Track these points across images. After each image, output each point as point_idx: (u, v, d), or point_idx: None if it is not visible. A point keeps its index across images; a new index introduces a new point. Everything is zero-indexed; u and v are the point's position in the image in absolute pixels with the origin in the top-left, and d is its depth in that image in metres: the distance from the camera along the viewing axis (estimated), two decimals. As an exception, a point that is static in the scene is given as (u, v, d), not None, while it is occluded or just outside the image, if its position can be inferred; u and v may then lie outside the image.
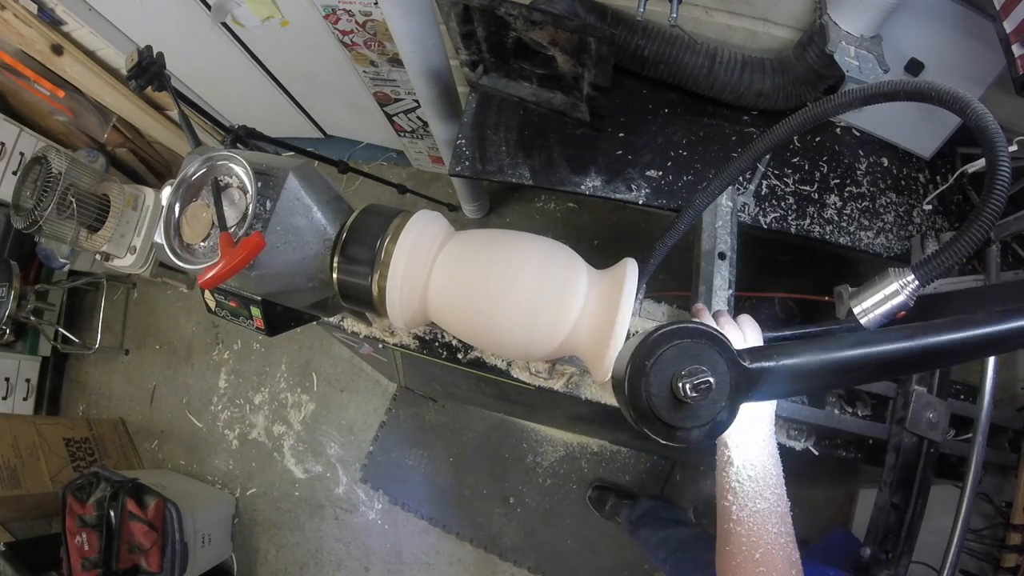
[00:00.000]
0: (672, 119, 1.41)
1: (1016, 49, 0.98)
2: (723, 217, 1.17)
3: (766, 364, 0.43)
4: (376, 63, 1.83)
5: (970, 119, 0.53)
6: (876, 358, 0.43)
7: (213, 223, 0.64)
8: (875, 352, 0.43)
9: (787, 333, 0.68)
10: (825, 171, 1.36)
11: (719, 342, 0.42)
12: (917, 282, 0.60)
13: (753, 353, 0.43)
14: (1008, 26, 0.98)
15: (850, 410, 1.09)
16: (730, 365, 0.41)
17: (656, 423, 0.41)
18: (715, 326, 0.43)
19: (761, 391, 0.43)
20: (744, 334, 0.65)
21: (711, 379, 0.40)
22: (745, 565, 0.54)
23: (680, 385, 0.40)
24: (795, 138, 1.38)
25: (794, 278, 2.03)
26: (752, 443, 0.58)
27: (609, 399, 1.09)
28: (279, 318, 0.76)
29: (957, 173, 1.17)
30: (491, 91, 1.46)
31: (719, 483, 0.59)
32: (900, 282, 0.60)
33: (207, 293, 0.77)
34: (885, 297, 0.61)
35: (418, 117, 2.09)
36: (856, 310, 0.63)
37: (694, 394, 0.40)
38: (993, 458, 1.06)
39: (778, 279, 2.01)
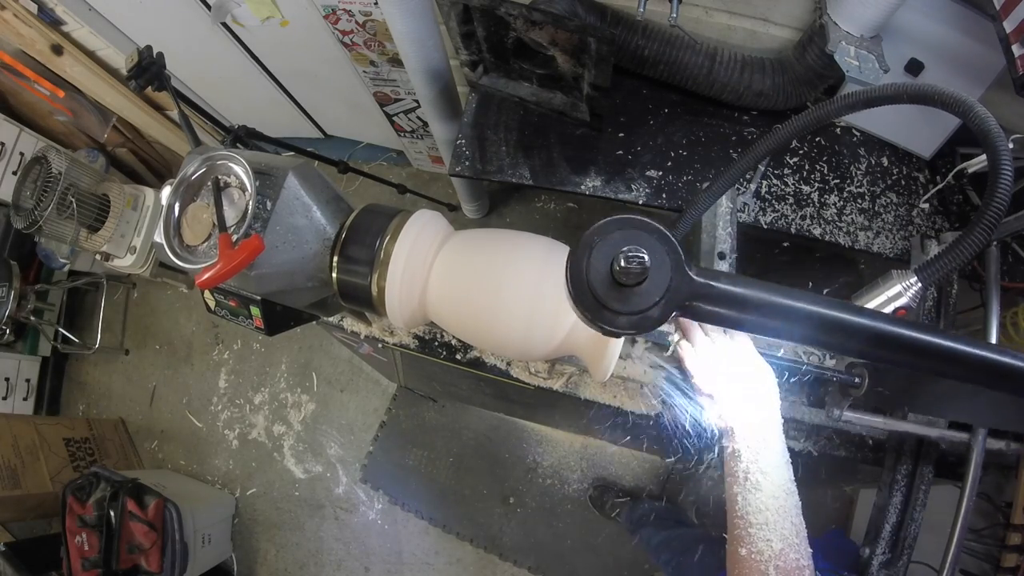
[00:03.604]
0: (672, 119, 1.41)
1: (1016, 49, 0.98)
2: (723, 217, 1.16)
3: (711, 281, 0.43)
4: (376, 63, 1.83)
5: (972, 122, 0.53)
6: (825, 319, 0.43)
7: (214, 224, 0.64)
8: (826, 313, 0.43)
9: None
10: (825, 171, 1.36)
11: (668, 241, 0.42)
12: (920, 284, 0.60)
13: (703, 270, 0.43)
14: (1008, 26, 0.98)
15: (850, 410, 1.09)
16: (674, 267, 0.41)
17: (588, 297, 0.41)
18: (668, 232, 0.43)
19: (699, 307, 0.43)
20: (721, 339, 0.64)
21: (645, 256, 0.39)
22: (757, 565, 0.54)
23: (617, 259, 0.40)
24: (795, 139, 1.38)
25: (794, 278, 2.03)
26: (762, 442, 0.58)
27: (609, 399, 1.09)
28: (279, 317, 0.76)
29: (954, 172, 1.17)
30: (491, 91, 1.46)
31: (728, 476, 0.59)
32: (903, 284, 0.60)
33: (207, 293, 0.77)
34: (888, 299, 0.61)
35: (418, 117, 2.08)
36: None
37: (628, 266, 0.39)
38: (993, 458, 1.06)
39: (778, 279, 2.01)
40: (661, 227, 0.42)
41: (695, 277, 0.42)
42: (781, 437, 0.60)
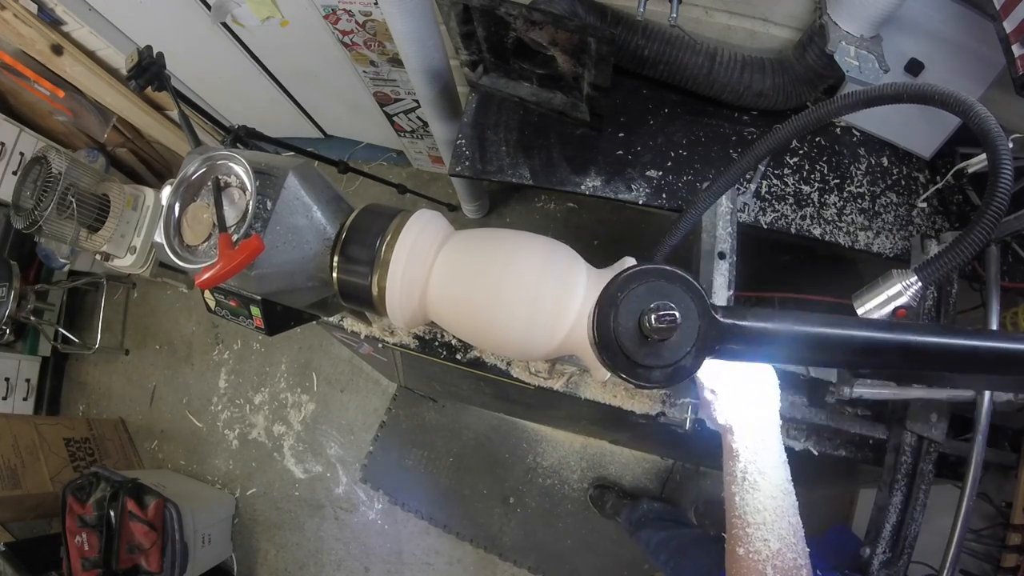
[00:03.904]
0: (672, 119, 1.41)
1: (1016, 49, 0.98)
2: (723, 217, 1.16)
3: (738, 321, 0.42)
4: (376, 63, 1.83)
5: (973, 122, 0.53)
6: (852, 341, 0.43)
7: (214, 224, 0.64)
8: (852, 335, 0.43)
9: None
10: (825, 171, 1.36)
11: (692, 288, 0.41)
12: (920, 283, 0.60)
13: (727, 309, 0.43)
14: (1008, 26, 0.98)
15: (850, 410, 1.09)
16: (701, 313, 0.41)
17: (619, 356, 0.41)
18: (690, 276, 0.42)
19: (729, 347, 0.43)
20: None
21: (676, 314, 0.39)
22: (755, 565, 0.54)
23: (647, 318, 0.39)
24: (795, 139, 1.38)
25: (794, 278, 2.03)
26: (760, 442, 0.58)
27: (609, 399, 1.09)
28: (279, 317, 0.76)
29: (952, 171, 1.17)
30: (491, 91, 1.46)
31: (726, 476, 0.59)
32: (903, 283, 0.61)
33: (207, 292, 0.77)
34: (888, 298, 0.61)
35: (418, 117, 2.09)
36: (859, 311, 0.63)
37: (659, 325, 0.39)
38: (993, 458, 1.06)
39: (778, 279, 2.01)
40: (683, 274, 0.42)
41: (722, 320, 0.42)
42: (779, 438, 0.60)
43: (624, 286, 0.41)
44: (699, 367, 0.42)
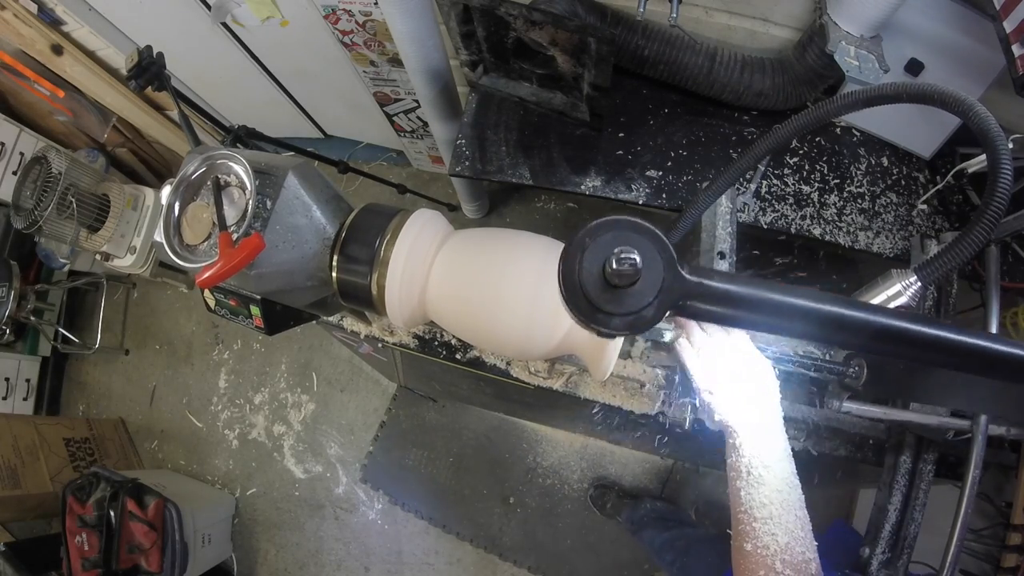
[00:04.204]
0: (672, 119, 1.41)
1: (1016, 49, 0.98)
2: (723, 217, 1.16)
3: (704, 280, 0.43)
4: (376, 63, 1.83)
5: (973, 122, 0.54)
6: (817, 313, 0.43)
7: (214, 223, 0.64)
8: (818, 308, 0.43)
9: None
10: (825, 171, 1.36)
11: (659, 241, 0.42)
12: (920, 283, 0.60)
13: (696, 268, 0.43)
14: (1008, 26, 0.98)
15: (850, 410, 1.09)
16: (666, 266, 0.41)
17: (581, 299, 0.41)
18: (659, 232, 0.43)
19: (694, 305, 0.43)
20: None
21: (636, 258, 0.39)
22: (763, 560, 0.54)
23: (609, 260, 0.40)
24: (795, 138, 1.38)
25: (794, 278, 2.03)
26: (762, 437, 0.58)
27: (609, 398, 1.09)
28: (278, 317, 0.76)
29: (953, 171, 1.17)
30: (491, 91, 1.46)
31: (729, 472, 0.59)
32: (903, 283, 0.61)
33: (207, 292, 0.77)
34: (888, 298, 0.62)
35: (418, 117, 2.09)
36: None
37: (620, 268, 0.39)
38: (993, 458, 1.06)
39: (778, 279, 2.01)
40: (651, 227, 0.42)
41: (688, 276, 0.42)
42: (782, 431, 0.60)
43: (593, 232, 0.42)
44: (660, 318, 0.42)
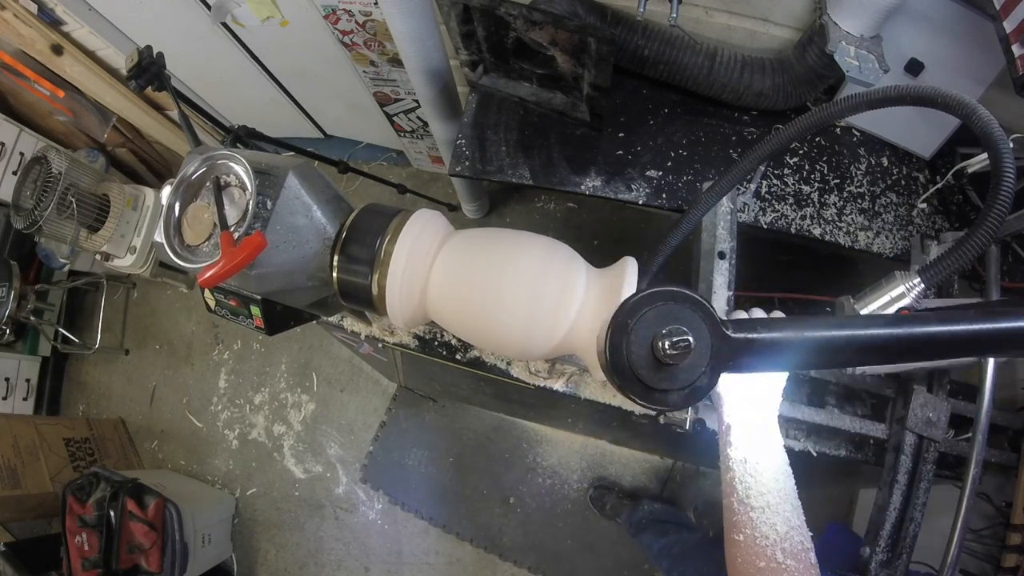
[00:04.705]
0: (672, 119, 1.41)
1: (1016, 49, 0.98)
2: (723, 217, 1.16)
3: (749, 335, 0.42)
4: (376, 63, 1.83)
5: (975, 125, 0.54)
6: (859, 340, 0.43)
7: (214, 224, 0.64)
8: (859, 335, 0.43)
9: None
10: (825, 171, 1.36)
11: (702, 307, 0.41)
12: (923, 285, 0.60)
13: (737, 323, 0.43)
14: (1008, 26, 0.98)
15: (850, 410, 1.09)
16: (712, 331, 0.41)
17: (635, 383, 0.41)
18: (696, 294, 0.42)
19: (742, 362, 0.43)
20: None
21: (690, 338, 0.39)
22: (763, 550, 0.54)
23: (660, 344, 0.39)
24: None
25: (794, 278, 2.03)
26: (761, 432, 0.58)
27: (609, 398, 1.09)
28: (279, 317, 0.76)
29: (953, 171, 1.17)
30: (491, 91, 1.46)
31: (722, 463, 0.59)
32: (906, 285, 0.61)
33: (207, 292, 0.77)
34: (892, 299, 0.62)
35: (418, 117, 2.09)
36: (862, 312, 0.63)
37: (673, 352, 0.39)
38: (993, 458, 1.06)
39: (778, 279, 2.01)
40: (691, 293, 0.42)
41: (733, 335, 0.42)
42: (776, 422, 0.61)
43: (633, 312, 0.41)
44: (715, 384, 0.42)
